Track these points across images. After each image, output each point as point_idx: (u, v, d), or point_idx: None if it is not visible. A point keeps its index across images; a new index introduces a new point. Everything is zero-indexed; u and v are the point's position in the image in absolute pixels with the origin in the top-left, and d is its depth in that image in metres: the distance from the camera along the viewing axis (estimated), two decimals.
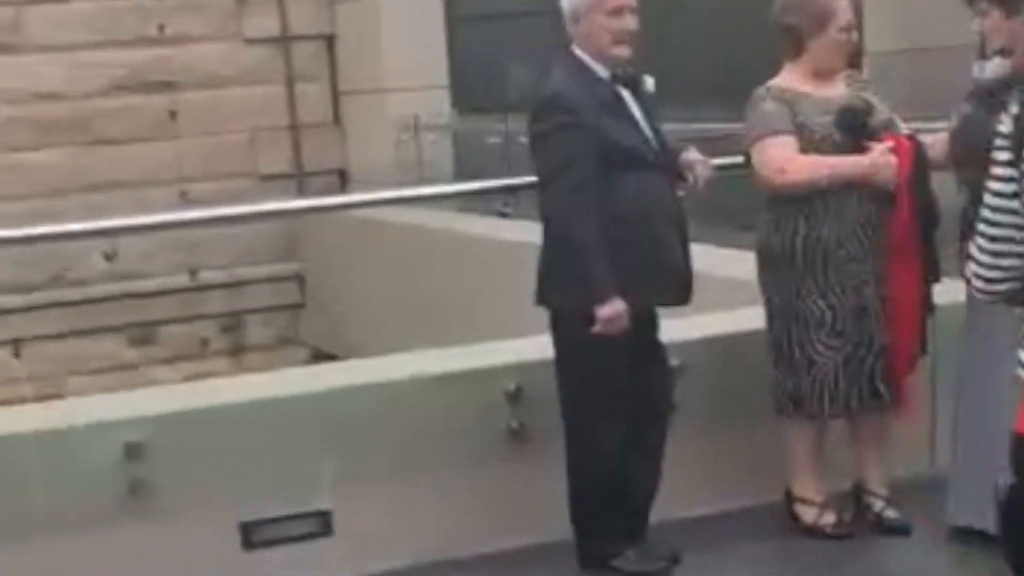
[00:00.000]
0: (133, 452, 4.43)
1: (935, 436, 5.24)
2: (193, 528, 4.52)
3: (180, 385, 5.38)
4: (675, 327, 4.97)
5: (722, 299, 5.48)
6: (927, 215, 4.80)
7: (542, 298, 4.64)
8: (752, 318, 5.03)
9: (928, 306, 4.87)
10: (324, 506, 4.69)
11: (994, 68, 4.53)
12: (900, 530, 4.91)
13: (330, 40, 15.15)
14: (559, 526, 4.69)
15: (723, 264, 6.63)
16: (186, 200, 13.99)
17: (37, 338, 13.74)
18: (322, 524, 4.69)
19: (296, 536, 4.66)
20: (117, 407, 4.74)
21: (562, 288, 4.54)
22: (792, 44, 4.90)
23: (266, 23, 14.87)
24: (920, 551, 4.84)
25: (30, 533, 4.35)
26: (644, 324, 4.62)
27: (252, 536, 4.61)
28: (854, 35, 4.92)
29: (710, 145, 5.38)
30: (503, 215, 5.59)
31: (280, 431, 4.65)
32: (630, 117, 4.63)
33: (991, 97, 4.30)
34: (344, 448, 4.71)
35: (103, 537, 4.43)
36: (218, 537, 4.57)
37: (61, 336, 13.78)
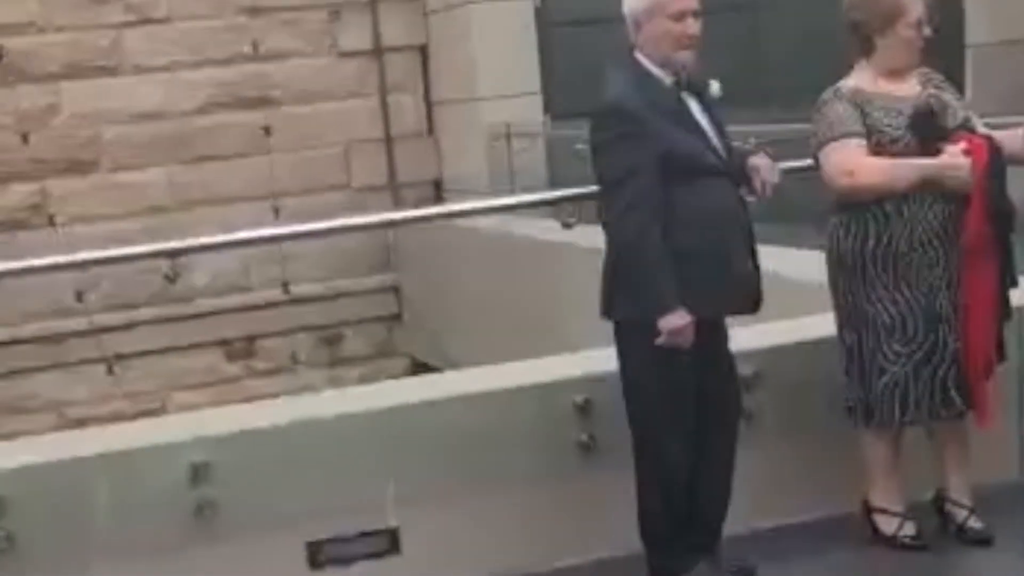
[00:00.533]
0: (198, 473, 4.44)
1: None
2: (259, 548, 4.50)
3: (244, 405, 5.39)
4: (747, 336, 4.88)
5: (798, 303, 5.36)
6: (1002, 217, 4.62)
7: (606, 310, 4.56)
8: (825, 325, 4.91)
9: (1005, 311, 4.70)
10: (391, 524, 4.66)
11: None
12: (983, 540, 4.76)
13: (423, 51, 15.20)
14: (630, 540, 4.61)
15: (799, 266, 6.49)
16: (277, 216, 14.14)
17: (138, 354, 13.97)
18: (390, 542, 4.66)
19: (363, 554, 4.63)
20: (181, 427, 4.75)
21: (625, 300, 4.46)
22: (861, 42, 4.75)
23: (359, 36, 15.00)
24: (1004, 562, 4.70)
25: (96, 556, 4.37)
26: (711, 333, 4.52)
27: (319, 555, 4.59)
28: (926, 31, 4.75)
29: (783, 147, 5.27)
30: (567, 225, 5.51)
31: (346, 449, 4.63)
32: (694, 124, 4.52)
33: None
34: (411, 464, 4.67)
35: (169, 559, 4.44)
36: (285, 557, 4.55)
37: (162, 351, 14.00)
